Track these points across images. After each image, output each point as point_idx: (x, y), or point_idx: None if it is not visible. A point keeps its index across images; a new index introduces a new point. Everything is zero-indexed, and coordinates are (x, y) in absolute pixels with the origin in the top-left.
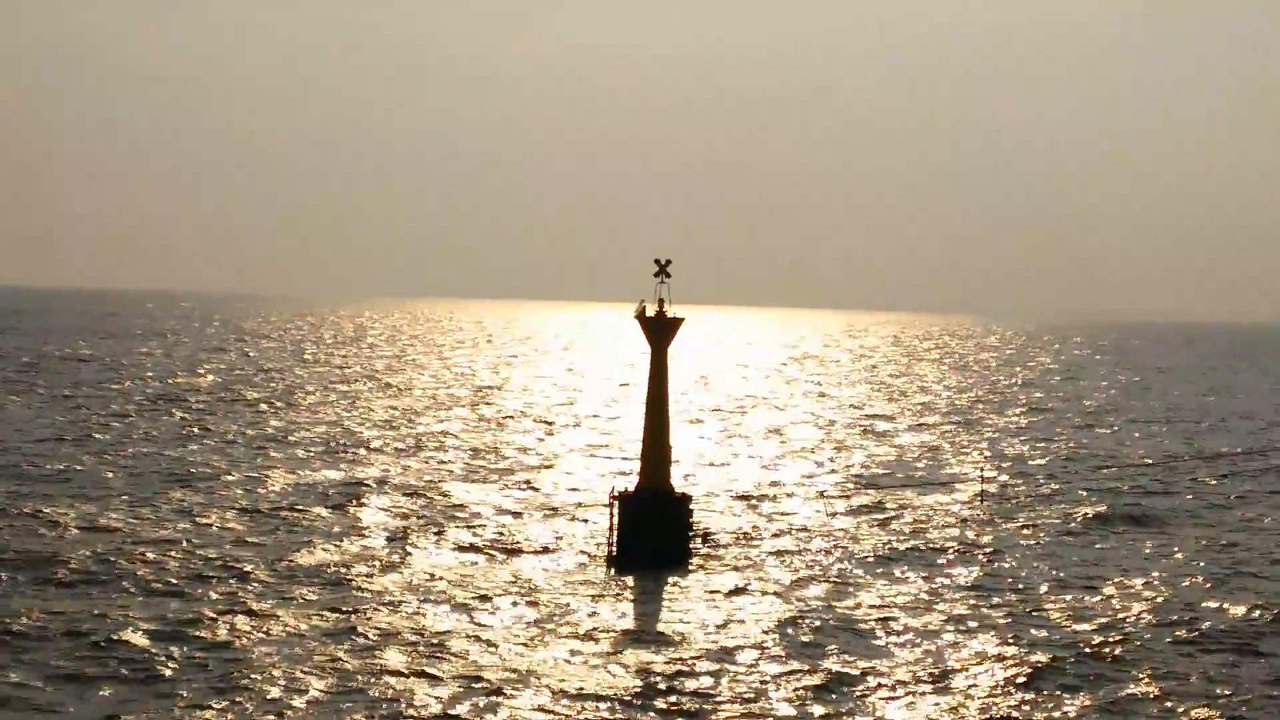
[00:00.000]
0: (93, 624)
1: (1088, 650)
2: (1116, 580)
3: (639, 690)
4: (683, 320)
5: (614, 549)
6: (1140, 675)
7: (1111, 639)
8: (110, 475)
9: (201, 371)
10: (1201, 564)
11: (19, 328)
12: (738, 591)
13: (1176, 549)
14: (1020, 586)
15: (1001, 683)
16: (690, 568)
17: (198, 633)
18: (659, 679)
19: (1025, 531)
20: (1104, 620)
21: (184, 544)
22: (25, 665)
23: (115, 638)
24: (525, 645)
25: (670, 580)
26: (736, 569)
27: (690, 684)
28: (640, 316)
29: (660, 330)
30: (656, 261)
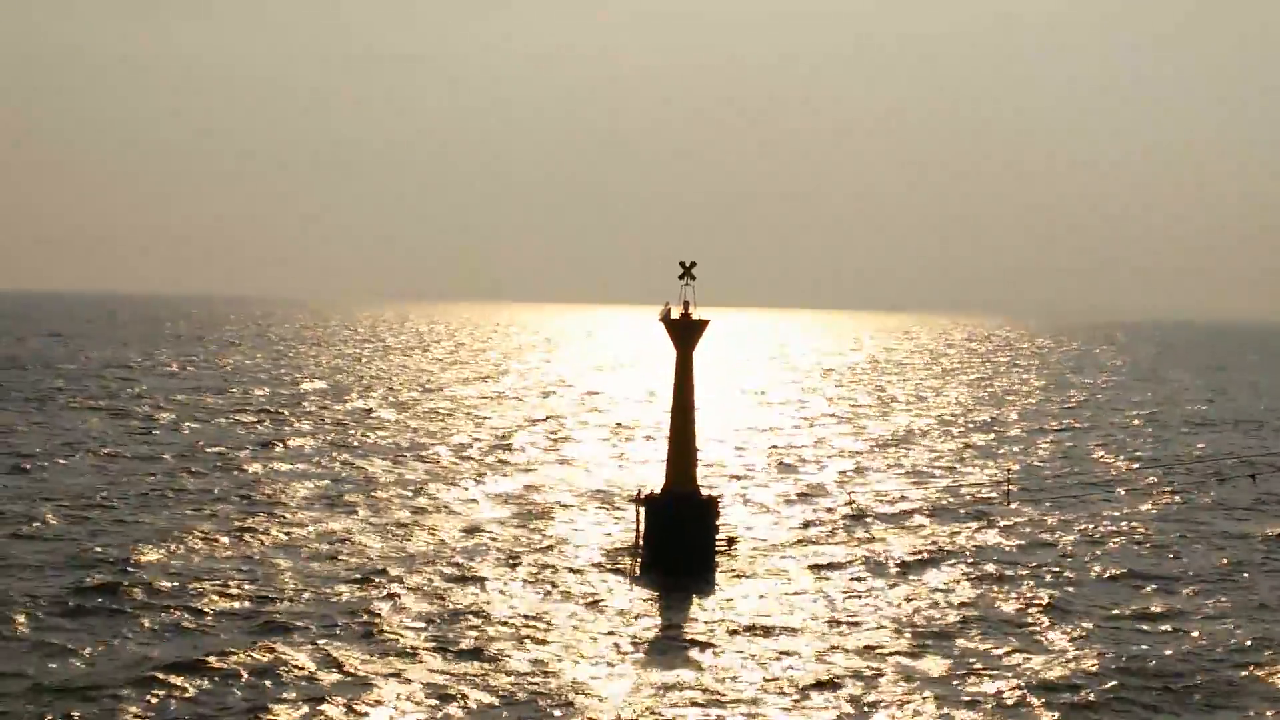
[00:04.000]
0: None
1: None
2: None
3: (662, 693)
4: (708, 322)
5: (640, 551)
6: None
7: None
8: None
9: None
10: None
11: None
12: (763, 595)
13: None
14: (1057, 589)
15: (1038, 687)
16: (716, 570)
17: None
18: (683, 682)
19: (1052, 533)
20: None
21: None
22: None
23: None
24: (549, 646)
25: (696, 583)
26: (762, 572)
27: (714, 687)
28: (665, 319)
29: (685, 332)
30: (681, 264)
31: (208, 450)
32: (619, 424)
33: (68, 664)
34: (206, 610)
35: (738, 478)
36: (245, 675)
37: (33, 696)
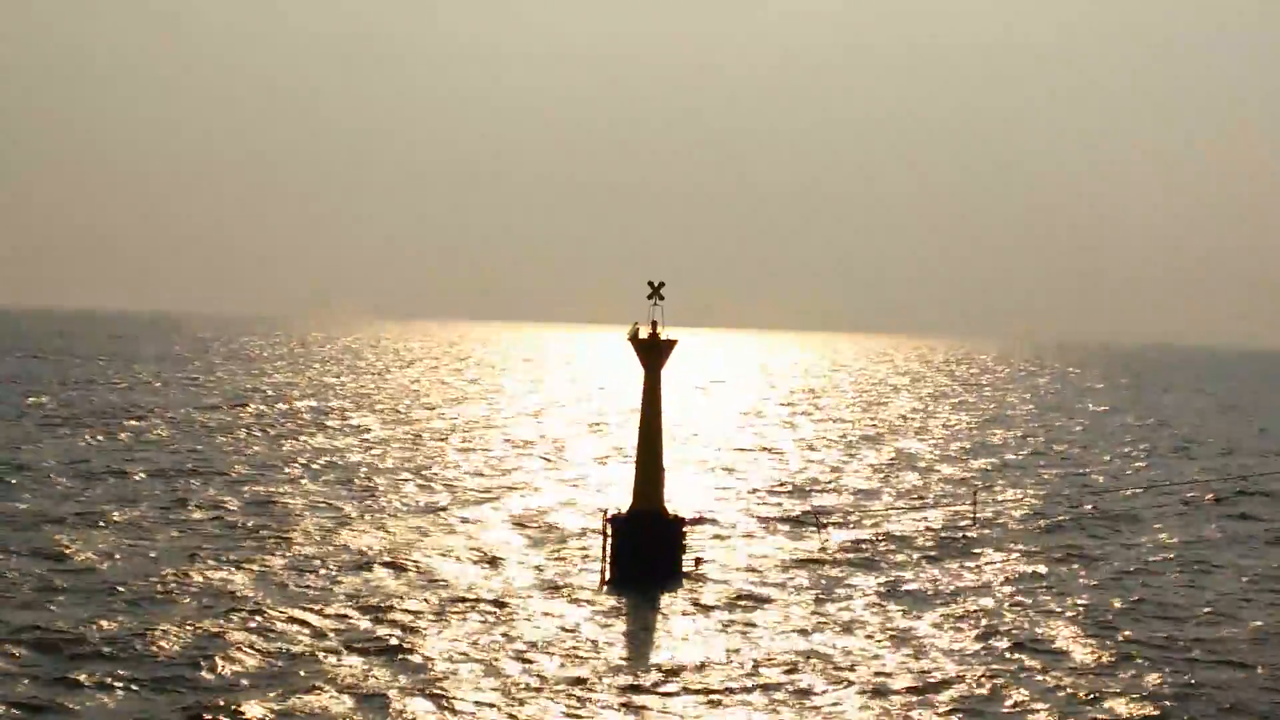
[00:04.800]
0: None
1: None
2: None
3: (626, 715)
4: (675, 342)
5: (605, 572)
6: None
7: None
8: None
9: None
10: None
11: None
12: (730, 616)
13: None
14: (1017, 609)
15: (998, 708)
16: (683, 591)
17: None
18: (647, 705)
19: (1014, 555)
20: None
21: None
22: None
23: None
24: (513, 668)
25: (662, 604)
26: (729, 593)
27: (678, 710)
28: (633, 339)
29: (653, 352)
30: (650, 284)
31: (205, 469)
32: (613, 446)
33: (75, 686)
34: (217, 631)
35: (715, 499)
36: (253, 693)
37: None
